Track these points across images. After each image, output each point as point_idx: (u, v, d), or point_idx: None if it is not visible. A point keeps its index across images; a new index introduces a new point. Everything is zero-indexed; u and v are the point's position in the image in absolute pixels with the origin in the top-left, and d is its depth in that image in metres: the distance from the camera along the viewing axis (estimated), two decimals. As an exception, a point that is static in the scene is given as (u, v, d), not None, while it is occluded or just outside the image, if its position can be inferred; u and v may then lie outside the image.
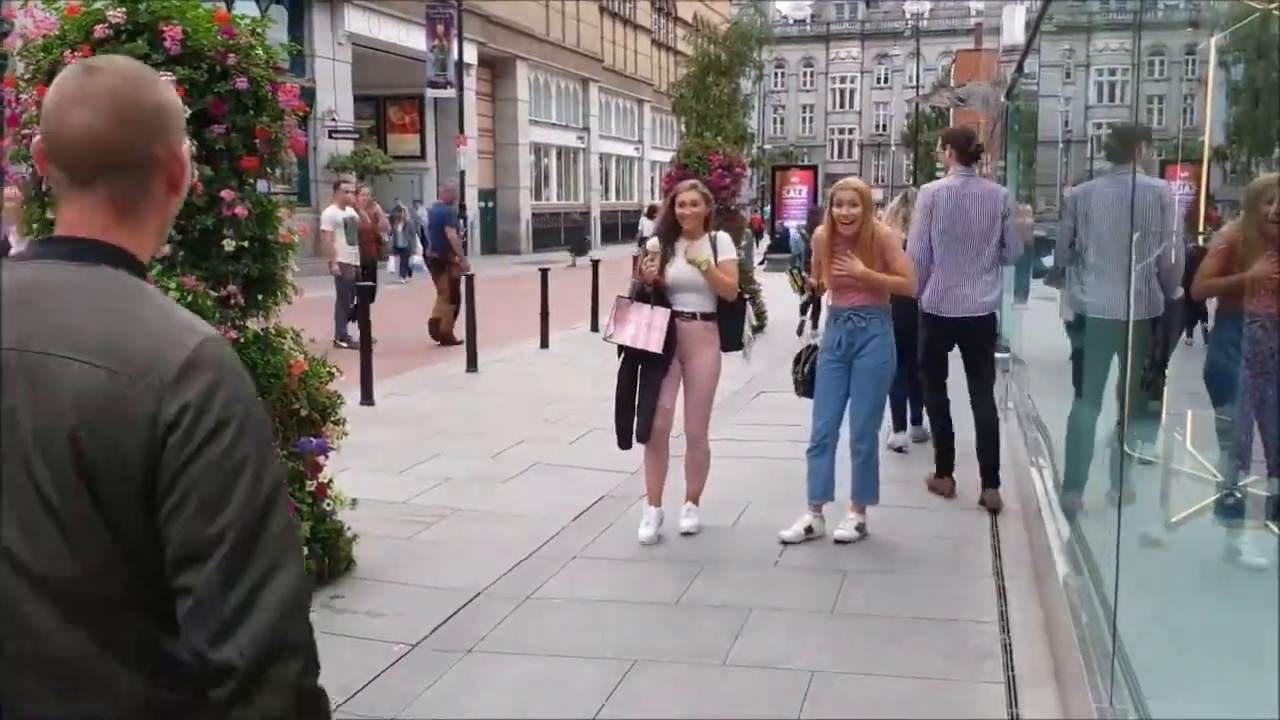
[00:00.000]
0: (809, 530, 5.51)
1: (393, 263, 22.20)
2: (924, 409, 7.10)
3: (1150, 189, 4.59)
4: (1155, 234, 4.46)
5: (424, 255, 15.87)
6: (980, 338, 6.23)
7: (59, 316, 1.37)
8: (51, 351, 1.34)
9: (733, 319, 5.58)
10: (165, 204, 1.53)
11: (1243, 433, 3.39)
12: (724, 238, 5.63)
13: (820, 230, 5.64)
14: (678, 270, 5.46)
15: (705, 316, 5.51)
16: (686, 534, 5.59)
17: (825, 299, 5.67)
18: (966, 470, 6.31)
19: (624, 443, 5.57)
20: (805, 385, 5.77)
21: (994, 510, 5.96)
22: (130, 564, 1.35)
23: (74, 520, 1.33)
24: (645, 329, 5.41)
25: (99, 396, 1.32)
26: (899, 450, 7.44)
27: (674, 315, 5.44)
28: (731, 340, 5.59)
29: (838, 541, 5.43)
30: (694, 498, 5.74)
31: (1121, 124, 4.78)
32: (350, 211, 13.05)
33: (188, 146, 1.56)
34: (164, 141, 1.49)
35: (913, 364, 6.55)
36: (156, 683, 1.39)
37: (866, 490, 5.59)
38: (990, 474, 6.07)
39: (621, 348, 5.51)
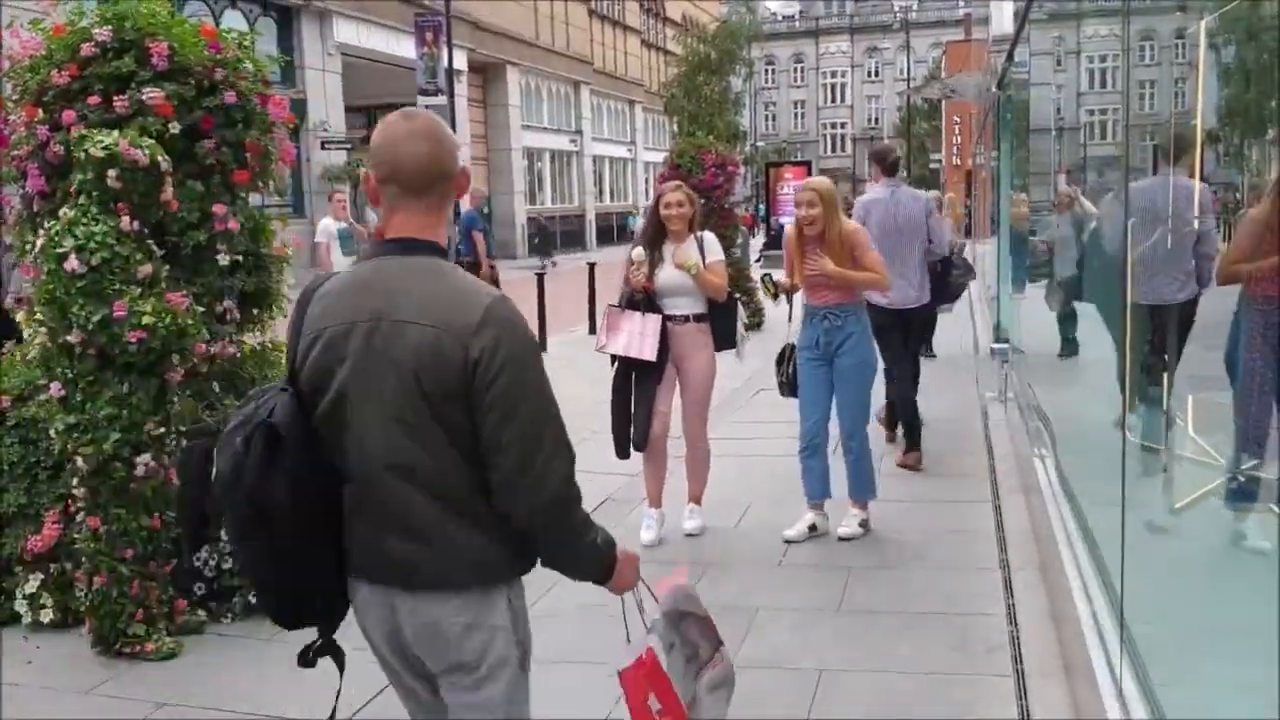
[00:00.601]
0: (812, 528, 5.51)
1: None
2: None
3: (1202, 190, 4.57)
4: (1194, 228, 4.43)
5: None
6: (919, 325, 7.49)
7: (402, 295, 2.08)
8: (401, 319, 2.06)
9: (725, 318, 5.54)
10: (450, 204, 2.28)
11: (1250, 417, 3.36)
12: (710, 238, 5.60)
13: (789, 230, 5.64)
14: (667, 274, 5.43)
15: (697, 318, 5.49)
16: (690, 535, 5.57)
17: (799, 297, 5.67)
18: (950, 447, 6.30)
19: (622, 453, 5.57)
20: (790, 386, 5.71)
21: (913, 468, 6.80)
22: (458, 453, 2.07)
23: (422, 428, 2.06)
24: (638, 337, 5.38)
25: (430, 346, 2.03)
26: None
27: (666, 319, 5.41)
28: (725, 339, 5.56)
29: (841, 539, 5.43)
30: (696, 499, 5.72)
31: (1182, 132, 4.76)
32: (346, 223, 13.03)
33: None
34: (456, 162, 2.20)
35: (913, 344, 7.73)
36: (488, 538, 2.12)
37: (863, 486, 5.58)
38: (911, 435, 6.96)
39: (615, 357, 5.48)
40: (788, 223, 5.56)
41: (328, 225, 12.81)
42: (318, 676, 4.13)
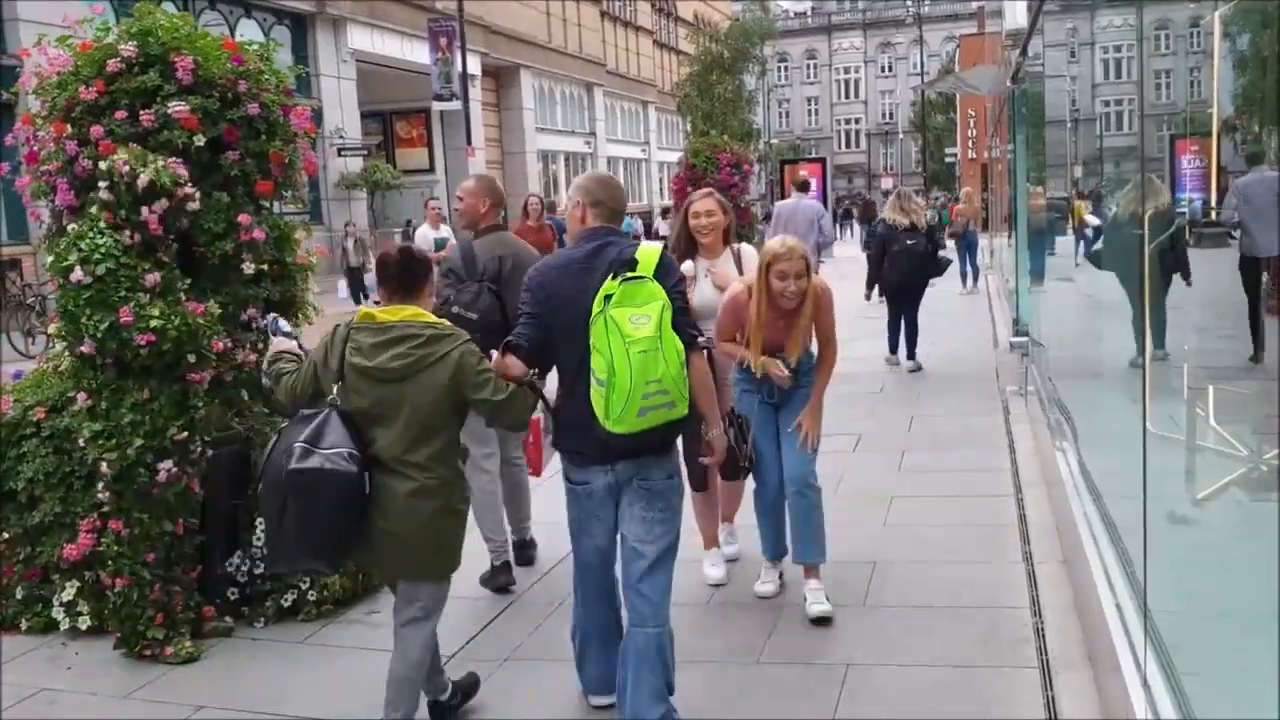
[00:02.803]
0: (781, 576, 4.86)
1: (341, 286, 19.39)
2: (914, 346, 10.49)
3: None
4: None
5: None
6: None
7: None
8: None
9: None
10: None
11: None
12: (749, 251, 5.03)
13: (738, 295, 4.55)
14: (702, 295, 4.79)
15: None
16: (729, 561, 5.14)
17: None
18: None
19: (699, 484, 4.93)
20: (749, 463, 4.57)
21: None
22: None
23: None
24: None
25: None
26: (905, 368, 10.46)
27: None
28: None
29: (819, 620, 4.46)
30: (729, 517, 5.29)
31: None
32: (445, 231, 13.13)
33: None
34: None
35: (910, 309, 10.44)
36: None
37: (819, 546, 4.66)
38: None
39: None
40: (736, 287, 4.62)
41: (425, 233, 13.09)
42: (350, 677, 4.21)
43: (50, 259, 4.43)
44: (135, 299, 4.29)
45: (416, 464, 3.33)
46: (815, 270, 7.15)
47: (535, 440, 3.80)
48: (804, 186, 11.92)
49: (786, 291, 4.35)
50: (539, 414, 3.73)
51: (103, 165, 4.34)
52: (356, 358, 3.33)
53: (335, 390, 3.34)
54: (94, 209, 4.41)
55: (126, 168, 4.33)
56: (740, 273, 4.87)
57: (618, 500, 3.47)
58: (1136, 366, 4.22)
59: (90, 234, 4.33)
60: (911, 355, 10.49)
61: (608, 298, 3.21)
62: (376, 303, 3.53)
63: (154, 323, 4.29)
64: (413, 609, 3.49)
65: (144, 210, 4.40)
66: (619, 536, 3.53)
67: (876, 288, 12.01)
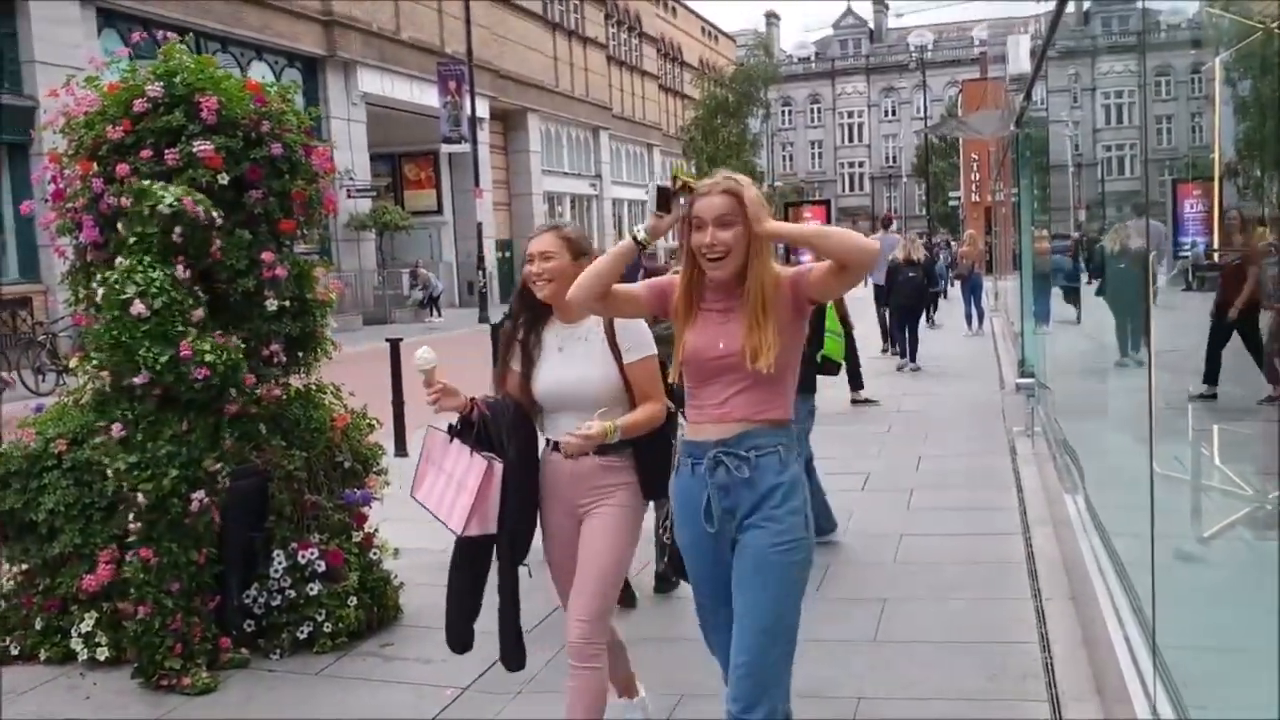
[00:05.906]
0: None
1: None
2: (914, 348, 13.74)
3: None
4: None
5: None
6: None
7: None
8: None
9: (657, 448, 3.34)
10: None
11: None
12: (634, 325, 3.29)
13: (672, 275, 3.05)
14: (554, 374, 3.32)
15: (607, 449, 3.25)
16: None
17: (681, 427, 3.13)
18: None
19: (461, 645, 3.69)
20: (677, 565, 3.22)
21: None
22: None
23: None
24: (453, 488, 3.34)
25: None
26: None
27: (553, 449, 3.33)
28: (658, 480, 3.33)
29: None
30: (625, 687, 3.73)
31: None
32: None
33: None
34: None
35: (913, 325, 13.95)
36: None
37: None
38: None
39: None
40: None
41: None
42: (364, 709, 4.24)
43: (102, 291, 4.49)
44: (189, 333, 4.44)
45: None
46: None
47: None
48: (887, 224, 17.42)
49: (702, 245, 2.77)
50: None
51: (162, 208, 4.45)
52: None
53: None
54: (133, 241, 4.50)
55: (200, 209, 4.47)
56: (617, 353, 3.29)
57: None
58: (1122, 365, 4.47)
59: (141, 268, 4.43)
60: (914, 358, 13.83)
61: None
62: None
63: (208, 358, 4.44)
64: None
65: (215, 241, 4.60)
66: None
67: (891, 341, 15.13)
